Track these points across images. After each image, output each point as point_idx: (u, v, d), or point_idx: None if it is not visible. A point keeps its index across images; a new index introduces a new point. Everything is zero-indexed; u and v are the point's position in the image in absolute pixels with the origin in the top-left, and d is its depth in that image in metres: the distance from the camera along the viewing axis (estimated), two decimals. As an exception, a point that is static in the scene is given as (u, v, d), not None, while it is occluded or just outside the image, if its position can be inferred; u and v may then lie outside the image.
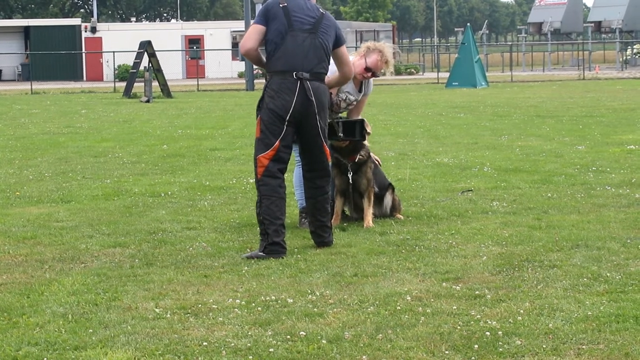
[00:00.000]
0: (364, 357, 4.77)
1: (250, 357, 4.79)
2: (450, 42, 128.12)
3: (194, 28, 64.48)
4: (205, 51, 57.78)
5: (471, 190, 10.23)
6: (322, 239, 7.48)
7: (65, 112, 27.13)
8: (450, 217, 8.69)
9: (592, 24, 67.12)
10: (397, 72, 56.87)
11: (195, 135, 18.23)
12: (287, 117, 7.26)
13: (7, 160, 14.19)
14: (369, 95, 8.75)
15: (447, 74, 45.57)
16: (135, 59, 37.15)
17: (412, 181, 11.07)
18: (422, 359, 4.74)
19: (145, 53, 35.99)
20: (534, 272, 6.44)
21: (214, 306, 5.71)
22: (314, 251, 7.30)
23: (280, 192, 7.28)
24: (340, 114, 8.52)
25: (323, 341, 4.99)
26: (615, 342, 4.90)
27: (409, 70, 62.83)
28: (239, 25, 58.78)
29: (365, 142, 8.44)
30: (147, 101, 32.12)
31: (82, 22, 64.80)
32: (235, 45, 57.37)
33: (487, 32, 74.45)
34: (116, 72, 53.47)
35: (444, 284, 6.18)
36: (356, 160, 8.38)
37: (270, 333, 5.16)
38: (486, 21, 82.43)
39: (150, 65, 35.20)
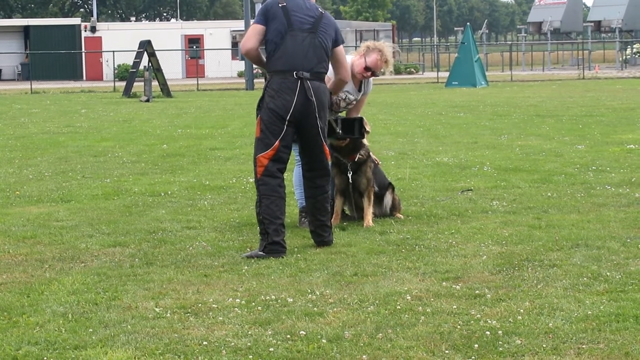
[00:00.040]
0: (364, 356, 4.77)
1: (251, 356, 4.79)
2: (450, 42, 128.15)
3: (194, 27, 64.48)
4: (205, 51, 57.78)
5: (471, 190, 10.23)
6: (322, 238, 7.48)
7: (65, 111, 27.13)
8: (450, 216, 8.69)
9: (592, 24, 67.10)
10: (397, 71, 56.88)
11: (195, 135, 18.23)
12: (288, 117, 7.26)
13: (7, 160, 14.19)
14: (369, 95, 8.74)
15: (446, 74, 45.56)
16: (135, 58, 37.13)
17: (412, 180, 11.07)
18: (422, 358, 4.74)
19: (145, 52, 35.99)
20: (534, 272, 6.44)
21: (214, 305, 5.71)
22: (314, 250, 7.30)
23: (280, 191, 7.28)
24: (339, 114, 8.52)
25: (323, 340, 4.99)
26: (615, 341, 4.90)
27: (408, 69, 62.82)
28: (239, 24, 58.77)
29: (365, 142, 8.44)
30: (147, 101, 32.12)
31: (81, 21, 64.79)
32: (235, 44, 57.36)
33: (487, 31, 74.44)
34: (116, 71, 53.47)
35: (444, 283, 6.18)
36: (356, 160, 8.38)
37: (270, 332, 5.16)
38: (486, 21, 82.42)
39: (150, 64, 35.19)
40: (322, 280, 6.32)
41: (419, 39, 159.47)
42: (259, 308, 5.65)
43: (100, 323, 5.38)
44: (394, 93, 35.74)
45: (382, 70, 8.36)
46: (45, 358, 4.80)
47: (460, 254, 7.05)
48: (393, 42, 57.12)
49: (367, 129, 8.38)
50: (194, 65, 56.16)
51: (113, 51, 50.44)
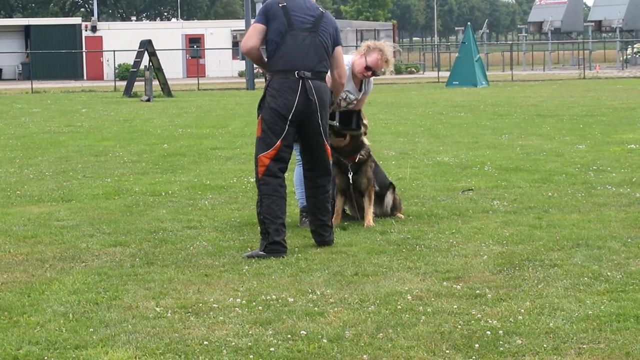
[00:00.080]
0: (364, 356, 4.77)
1: (251, 356, 4.79)
2: (450, 41, 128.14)
3: (195, 27, 64.49)
4: (205, 50, 57.77)
5: (472, 190, 10.23)
6: (322, 238, 7.48)
7: (65, 111, 27.14)
8: (451, 216, 8.69)
9: (593, 23, 67.09)
10: (398, 71, 56.87)
11: (196, 134, 18.23)
12: (289, 117, 7.26)
13: (7, 159, 14.19)
14: (369, 94, 8.74)
15: (447, 73, 45.56)
16: (136, 58, 37.14)
17: (413, 180, 11.07)
18: (422, 358, 4.74)
19: (146, 52, 35.99)
20: (535, 272, 6.44)
21: (214, 305, 5.71)
22: (315, 250, 7.30)
23: (281, 191, 7.28)
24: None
25: (324, 340, 4.99)
26: (616, 341, 4.90)
27: (409, 69, 62.83)
28: (240, 24, 58.76)
29: (365, 142, 8.44)
30: (148, 100, 32.12)
31: (82, 21, 64.83)
32: (235, 44, 57.36)
33: (488, 31, 74.45)
34: (116, 71, 53.42)
35: (444, 283, 6.18)
36: (356, 160, 8.38)
37: (270, 332, 5.16)
38: (487, 20, 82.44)
39: (151, 64, 35.20)
40: (323, 280, 6.32)
41: (420, 38, 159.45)
42: (260, 308, 5.65)
43: (101, 323, 5.38)
44: (395, 93, 35.74)
45: (382, 69, 8.35)
46: (46, 358, 4.80)
47: (461, 254, 7.05)
48: (394, 41, 57.04)
49: (364, 122, 8.38)
50: (195, 64, 56.13)
51: (114, 51, 50.40)
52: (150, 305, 5.74)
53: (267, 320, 5.39)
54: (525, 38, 74.09)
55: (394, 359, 4.74)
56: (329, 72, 7.59)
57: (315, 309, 5.60)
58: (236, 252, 7.28)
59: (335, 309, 5.61)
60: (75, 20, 67.11)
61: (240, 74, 55.76)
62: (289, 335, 5.09)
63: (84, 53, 59.18)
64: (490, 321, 5.27)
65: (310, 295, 5.92)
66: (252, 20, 7.84)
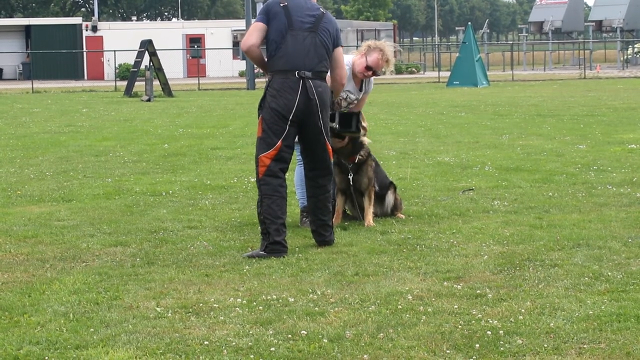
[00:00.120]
0: (365, 356, 4.77)
1: (252, 356, 4.79)
2: (451, 41, 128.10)
3: (195, 27, 64.49)
4: (206, 50, 57.77)
5: (472, 190, 10.23)
6: (323, 237, 7.48)
7: (66, 111, 27.14)
8: (452, 216, 8.69)
9: (593, 23, 67.10)
10: (398, 71, 56.87)
11: (196, 134, 18.23)
12: (290, 117, 7.26)
13: (8, 159, 14.19)
14: (370, 94, 8.74)
15: (448, 73, 45.56)
16: (136, 57, 37.14)
17: (413, 180, 11.07)
18: (423, 358, 4.74)
19: (146, 52, 36.00)
20: (535, 271, 6.44)
21: (215, 305, 5.71)
22: (315, 250, 7.30)
23: (282, 191, 7.28)
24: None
25: (324, 340, 4.99)
26: (616, 341, 4.90)
27: (409, 69, 62.82)
28: (240, 24, 58.78)
29: (364, 141, 8.43)
30: (148, 100, 32.12)
31: (83, 21, 64.84)
32: (236, 44, 57.36)
33: (488, 31, 74.45)
34: (117, 71, 53.42)
35: (445, 283, 6.18)
36: (356, 161, 8.38)
37: (271, 332, 5.16)
38: (487, 20, 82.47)
39: (151, 64, 35.20)
40: (324, 280, 6.32)
41: (420, 38, 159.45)
42: (260, 308, 5.65)
43: (102, 323, 5.38)
44: (395, 93, 35.74)
45: (383, 69, 8.35)
46: (46, 358, 4.80)
47: (462, 254, 7.05)
48: (394, 41, 57.06)
49: (364, 124, 8.38)
50: (195, 64, 56.15)
51: (114, 50, 50.38)
52: (150, 305, 5.74)
53: (267, 320, 5.39)
54: (526, 38, 74.08)
55: (394, 358, 4.74)
56: (329, 72, 7.59)
57: (316, 308, 5.60)
58: (237, 252, 7.28)
59: (336, 308, 5.61)
60: (76, 20, 67.13)
61: (241, 74, 55.77)
62: (290, 335, 5.09)
63: (84, 53, 59.19)
64: (490, 321, 5.27)
65: (311, 295, 5.92)
66: (253, 20, 7.84)
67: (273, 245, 7.12)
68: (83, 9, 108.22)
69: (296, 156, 8.17)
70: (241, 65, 56.11)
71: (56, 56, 55.30)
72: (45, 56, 55.30)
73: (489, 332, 5.07)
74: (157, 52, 36.54)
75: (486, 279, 6.26)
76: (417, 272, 6.49)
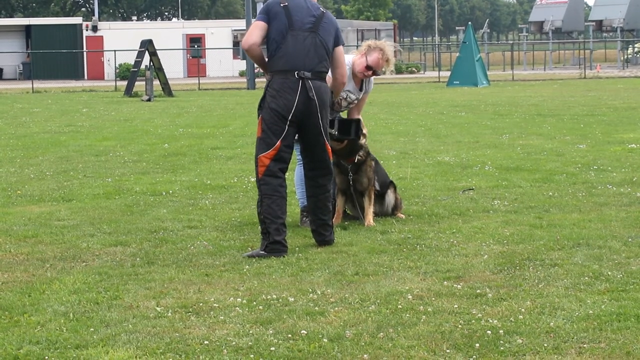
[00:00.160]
0: (365, 355, 4.77)
1: (252, 355, 4.79)
2: (451, 41, 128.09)
3: (195, 27, 64.49)
4: (206, 50, 57.77)
5: (472, 189, 10.23)
6: (323, 237, 7.48)
7: (66, 110, 27.14)
8: (452, 215, 8.69)
9: (594, 23, 67.11)
10: (398, 71, 56.87)
11: (197, 134, 18.23)
12: (290, 117, 7.26)
13: (8, 159, 14.20)
14: (370, 94, 8.74)
15: (448, 73, 45.56)
16: (137, 57, 37.15)
17: (413, 180, 11.07)
18: (423, 357, 4.74)
19: (147, 52, 36.01)
20: (535, 271, 6.44)
21: (215, 305, 5.71)
22: (315, 250, 7.30)
23: (281, 191, 7.28)
24: (340, 113, 8.51)
25: (324, 340, 4.99)
26: (616, 340, 4.90)
27: (410, 69, 62.82)
28: (240, 24, 58.80)
29: (363, 141, 8.41)
30: (148, 100, 32.12)
31: (83, 21, 64.85)
32: (236, 44, 57.37)
33: (488, 30, 74.46)
34: (117, 70, 53.43)
35: (445, 282, 6.18)
36: (355, 162, 8.38)
37: (271, 332, 5.16)
38: (487, 20, 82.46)
39: (152, 64, 35.21)
40: (324, 280, 6.32)
41: (421, 38, 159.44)
42: (260, 307, 5.65)
43: (102, 322, 5.38)
44: (395, 92, 35.74)
45: (383, 69, 8.35)
46: (46, 357, 4.80)
47: (462, 254, 7.05)
48: (394, 41, 57.08)
49: (364, 131, 8.37)
50: (196, 64, 56.17)
51: (114, 50, 50.39)
52: (150, 304, 5.74)
53: (267, 319, 5.39)
54: (526, 38, 74.09)
55: (394, 358, 4.74)
56: (329, 72, 7.59)
57: (316, 308, 5.60)
58: (237, 251, 7.28)
59: (336, 308, 5.61)
60: (76, 20, 67.13)
61: (241, 74, 55.79)
62: (290, 335, 5.09)
63: (84, 53, 59.20)
64: (490, 321, 5.27)
65: (311, 294, 5.92)
66: (253, 20, 7.84)
67: (273, 244, 7.12)
68: (83, 9, 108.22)
69: (296, 156, 8.17)
70: (241, 65, 56.12)
71: (56, 56, 55.31)
72: (45, 56, 55.31)
73: (489, 332, 5.07)
74: (158, 51, 36.55)
75: (486, 279, 6.26)
76: (417, 272, 6.49)
